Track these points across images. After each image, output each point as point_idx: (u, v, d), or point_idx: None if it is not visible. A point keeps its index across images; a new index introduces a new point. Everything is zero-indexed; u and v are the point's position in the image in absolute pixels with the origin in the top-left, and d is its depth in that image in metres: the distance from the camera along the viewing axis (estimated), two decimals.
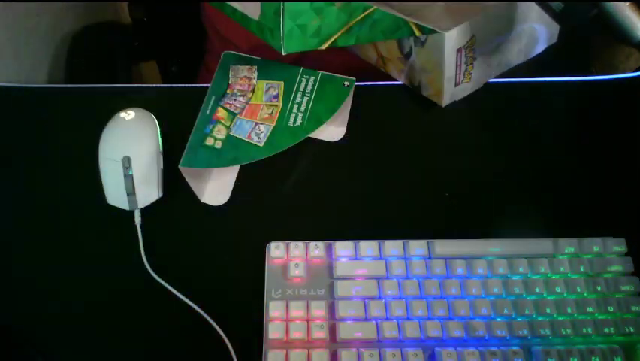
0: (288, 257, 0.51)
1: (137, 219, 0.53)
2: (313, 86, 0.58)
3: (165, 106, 0.59)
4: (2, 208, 0.56)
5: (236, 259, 0.53)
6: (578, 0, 0.44)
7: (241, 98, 0.57)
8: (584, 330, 0.48)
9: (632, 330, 0.48)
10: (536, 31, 0.58)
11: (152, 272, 0.51)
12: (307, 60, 0.71)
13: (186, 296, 0.51)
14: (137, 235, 0.53)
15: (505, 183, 0.57)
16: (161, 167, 0.55)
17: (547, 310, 0.49)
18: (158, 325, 0.51)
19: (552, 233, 0.53)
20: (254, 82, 0.58)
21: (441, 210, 0.56)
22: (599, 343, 0.48)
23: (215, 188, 0.56)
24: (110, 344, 0.50)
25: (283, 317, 0.48)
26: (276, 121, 0.55)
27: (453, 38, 0.51)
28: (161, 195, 0.55)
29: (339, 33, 0.52)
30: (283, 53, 0.52)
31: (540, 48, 0.60)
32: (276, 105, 0.56)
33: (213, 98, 0.57)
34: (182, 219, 0.55)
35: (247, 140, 0.54)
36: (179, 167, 0.52)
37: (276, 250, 0.51)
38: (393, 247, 0.51)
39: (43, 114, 0.61)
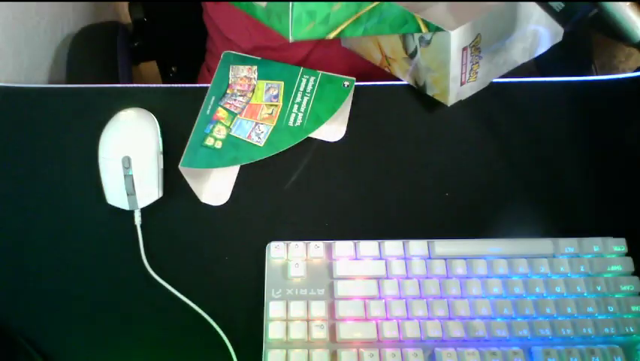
0: (288, 257, 0.51)
1: (137, 220, 0.53)
2: (313, 86, 0.58)
3: (165, 106, 0.59)
4: (2, 208, 0.56)
5: (236, 259, 0.53)
6: (578, 0, 0.44)
7: (241, 98, 0.57)
8: (584, 330, 0.48)
9: (632, 330, 0.49)
10: (541, 30, 0.58)
11: (152, 272, 0.51)
12: (311, 61, 0.72)
13: (186, 296, 0.51)
14: (137, 235, 0.53)
15: (505, 183, 0.57)
16: (161, 167, 0.55)
17: (547, 310, 0.49)
18: (158, 325, 0.51)
19: (552, 233, 0.53)
20: (254, 82, 0.58)
21: (441, 210, 0.56)
22: (599, 343, 0.48)
23: (215, 188, 0.56)
24: (110, 343, 0.50)
25: (283, 317, 0.49)
26: (276, 121, 0.56)
27: (458, 37, 0.51)
28: (161, 195, 0.55)
29: (347, 23, 0.52)
30: (290, 40, 0.51)
31: (545, 47, 0.60)
32: (276, 105, 0.57)
33: (213, 98, 0.57)
34: (182, 219, 0.55)
35: (247, 140, 0.54)
36: (179, 167, 0.52)
37: (276, 250, 0.51)
38: (393, 247, 0.51)
39: (43, 114, 0.61)
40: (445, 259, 0.51)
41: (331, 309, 0.49)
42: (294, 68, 0.59)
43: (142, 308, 0.51)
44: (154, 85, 0.62)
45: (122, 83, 0.77)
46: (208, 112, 0.56)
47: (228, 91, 0.58)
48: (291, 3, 0.49)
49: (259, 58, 0.60)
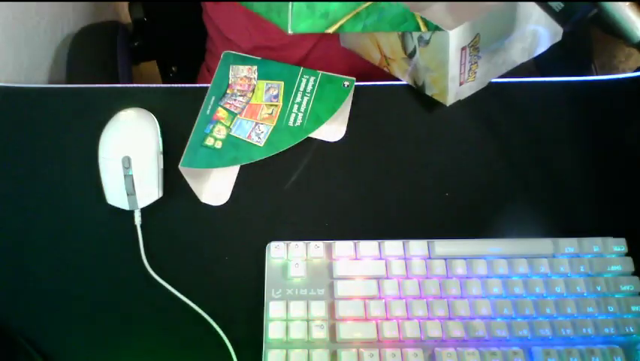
0: (288, 257, 0.51)
1: (137, 220, 0.53)
2: (313, 86, 0.58)
3: (165, 106, 0.59)
4: (2, 208, 0.56)
5: (236, 259, 0.53)
6: (577, 0, 0.44)
7: (241, 98, 0.57)
8: (584, 330, 0.48)
9: (632, 330, 0.49)
10: (540, 30, 0.58)
11: (152, 272, 0.51)
12: (311, 61, 0.72)
13: (186, 296, 0.51)
14: (137, 235, 0.53)
15: (505, 183, 0.57)
16: (161, 167, 0.55)
17: (547, 311, 0.49)
18: (158, 325, 0.51)
19: (552, 233, 0.53)
20: (254, 82, 0.58)
21: (441, 210, 0.56)
22: (599, 343, 0.48)
23: (215, 188, 0.56)
24: (110, 343, 0.50)
25: (283, 317, 0.49)
26: (276, 121, 0.56)
27: (457, 37, 0.51)
28: (161, 195, 0.55)
29: (346, 18, 0.51)
30: (289, 32, 0.51)
31: (544, 46, 0.60)
32: (276, 105, 0.57)
33: (213, 98, 0.57)
34: (182, 219, 0.55)
35: (247, 140, 0.54)
36: (179, 167, 0.52)
37: (276, 250, 0.51)
38: (393, 247, 0.51)
39: (43, 114, 0.61)
40: (445, 259, 0.51)
41: (331, 309, 0.49)
42: (294, 68, 0.59)
43: (142, 308, 0.51)
44: (154, 85, 0.62)
45: (122, 83, 0.77)
46: (208, 112, 0.56)
47: (228, 91, 0.58)
48: None
49: (259, 58, 0.60)
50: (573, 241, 0.52)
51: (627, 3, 0.42)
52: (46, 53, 0.77)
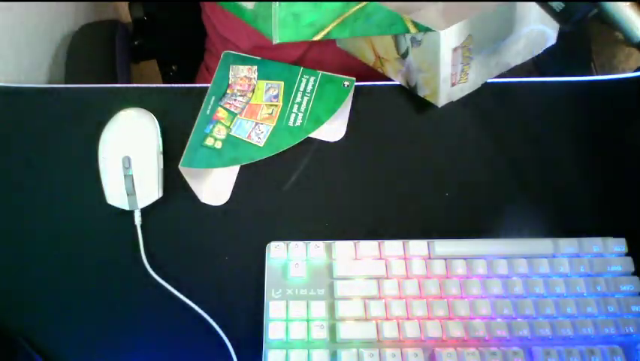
0: (288, 257, 0.51)
1: (137, 220, 0.53)
2: (313, 86, 0.58)
3: (165, 106, 0.59)
4: (2, 208, 0.56)
5: (236, 259, 0.53)
6: (578, 0, 0.44)
7: (241, 98, 0.57)
8: (584, 330, 0.48)
9: (632, 330, 0.49)
10: (535, 33, 0.58)
11: (152, 272, 0.51)
12: (307, 61, 0.72)
13: (186, 296, 0.51)
14: (137, 235, 0.53)
15: (505, 183, 0.57)
16: (161, 167, 0.55)
17: (547, 311, 0.49)
18: (158, 325, 0.51)
19: (552, 233, 0.53)
20: (254, 82, 0.58)
21: (441, 210, 0.56)
22: (599, 343, 0.48)
23: (215, 188, 0.56)
24: (109, 343, 0.50)
25: (283, 317, 0.49)
26: (276, 121, 0.56)
27: (449, 37, 0.51)
28: (161, 195, 0.54)
29: (333, 25, 0.52)
30: (275, 42, 0.51)
31: (538, 50, 0.61)
32: (276, 105, 0.56)
33: (213, 98, 0.57)
34: (182, 219, 0.55)
35: (247, 140, 0.54)
36: (179, 167, 0.52)
37: (276, 250, 0.51)
38: (393, 247, 0.51)
39: (43, 114, 0.61)
40: (445, 259, 0.51)
41: (331, 309, 0.49)
42: (294, 68, 0.59)
43: (142, 308, 0.51)
44: (154, 85, 0.62)
45: (121, 82, 0.77)
46: (208, 112, 0.56)
47: (228, 91, 0.58)
48: (275, 5, 0.49)
49: (259, 58, 0.60)
50: (573, 241, 0.52)
51: (627, 3, 0.42)
52: (46, 53, 0.77)
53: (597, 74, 0.62)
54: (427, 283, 0.50)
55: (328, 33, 0.52)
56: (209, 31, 0.81)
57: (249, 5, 0.52)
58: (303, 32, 0.51)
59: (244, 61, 0.60)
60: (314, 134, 0.57)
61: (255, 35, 0.72)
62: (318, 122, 0.56)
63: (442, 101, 0.57)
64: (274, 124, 0.55)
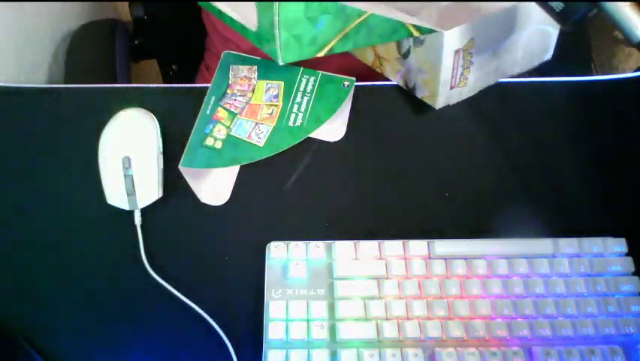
0: (288, 257, 0.51)
1: (137, 220, 0.53)
2: (313, 86, 0.58)
3: (165, 106, 0.59)
4: (2, 208, 0.56)
5: (236, 259, 0.53)
6: (578, 0, 0.44)
7: (241, 98, 0.57)
8: (584, 330, 0.48)
9: (632, 330, 0.49)
10: (533, 45, 0.59)
11: (152, 272, 0.51)
12: (307, 61, 0.71)
13: (186, 296, 0.51)
14: (137, 235, 0.53)
15: (505, 183, 0.57)
16: (161, 167, 0.55)
17: (548, 311, 0.49)
18: (158, 325, 0.51)
19: (552, 233, 0.53)
20: (254, 82, 0.58)
21: (441, 210, 0.56)
22: (599, 343, 0.48)
23: (215, 188, 0.56)
24: (109, 344, 0.50)
25: (283, 317, 0.49)
26: (276, 121, 0.55)
27: (452, 39, 0.51)
28: (161, 195, 0.54)
29: (335, 40, 0.52)
30: (280, 64, 0.53)
31: (535, 62, 0.61)
32: (276, 105, 0.56)
33: (213, 98, 0.57)
34: (182, 219, 0.55)
35: (247, 140, 0.54)
36: (179, 167, 0.52)
37: (276, 250, 0.51)
38: (393, 247, 0.51)
39: (43, 114, 0.61)
40: (445, 259, 0.51)
41: (331, 309, 0.49)
42: (294, 68, 0.59)
43: (142, 308, 0.51)
44: (154, 85, 0.62)
45: (121, 81, 0.77)
46: (208, 112, 0.56)
47: (228, 91, 0.58)
48: (276, 30, 0.50)
49: (259, 58, 0.60)
50: (573, 241, 0.52)
51: (627, 3, 0.42)
52: (46, 53, 0.77)
53: (597, 74, 0.62)
54: (427, 283, 0.50)
55: (331, 49, 0.53)
56: (209, 31, 0.81)
57: (253, 27, 0.53)
58: (307, 51, 0.53)
59: (244, 61, 0.60)
60: (314, 134, 0.57)
61: None
62: (318, 122, 0.56)
63: (439, 103, 0.57)
64: (274, 124, 0.55)
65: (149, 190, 0.54)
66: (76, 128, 0.59)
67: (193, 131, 0.55)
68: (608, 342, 0.49)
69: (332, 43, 0.53)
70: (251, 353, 0.49)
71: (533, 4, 0.47)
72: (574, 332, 0.48)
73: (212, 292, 0.52)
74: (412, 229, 0.54)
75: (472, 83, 0.57)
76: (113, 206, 0.54)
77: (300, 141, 0.55)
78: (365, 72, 0.62)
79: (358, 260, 0.51)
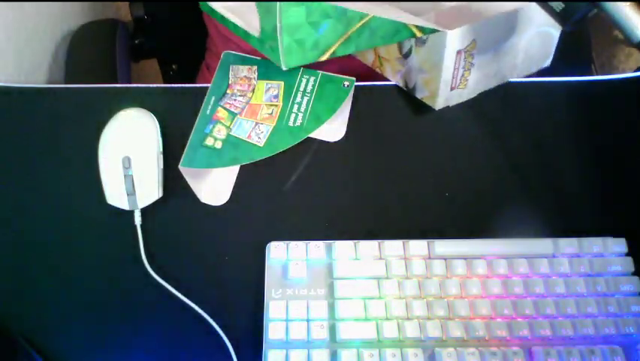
0: (288, 257, 0.51)
1: (137, 219, 0.53)
2: (313, 86, 0.58)
3: (165, 106, 0.59)
4: (2, 208, 0.56)
5: (236, 259, 0.53)
6: (578, 0, 0.44)
7: (241, 98, 0.57)
8: (584, 330, 0.48)
9: (632, 330, 0.49)
10: (533, 49, 0.59)
11: (152, 272, 0.51)
12: None
13: (186, 296, 0.51)
14: (137, 235, 0.53)
15: (505, 183, 0.57)
16: (161, 167, 0.55)
17: (548, 311, 0.49)
18: (158, 325, 0.51)
19: (552, 233, 0.53)
20: (254, 82, 0.58)
21: (441, 210, 0.56)
22: (599, 343, 0.48)
23: (215, 188, 0.56)
24: (109, 344, 0.50)
25: (283, 317, 0.49)
26: (276, 121, 0.55)
27: (455, 38, 0.51)
28: (161, 195, 0.55)
29: (337, 44, 0.53)
30: (284, 69, 0.54)
31: (534, 68, 0.61)
32: (276, 105, 0.56)
33: (213, 98, 0.57)
34: (182, 219, 0.55)
35: (247, 140, 0.54)
36: (179, 167, 0.52)
37: (276, 250, 0.51)
38: (393, 247, 0.51)
39: (43, 114, 0.61)
40: (445, 259, 0.51)
41: (331, 309, 0.49)
42: (294, 68, 0.59)
43: (142, 308, 0.51)
44: (154, 85, 0.62)
45: (121, 81, 0.77)
46: (208, 112, 0.56)
47: (228, 91, 0.58)
48: (279, 35, 0.51)
49: (259, 58, 0.60)
50: (573, 241, 0.52)
51: (627, 3, 0.42)
52: (46, 53, 0.77)
53: (597, 74, 0.62)
54: (427, 283, 0.50)
55: (334, 52, 0.54)
56: (210, 30, 0.81)
57: (255, 33, 0.54)
58: (309, 55, 0.53)
59: (244, 61, 0.60)
60: (314, 134, 0.57)
61: None
62: (318, 122, 0.56)
63: (439, 104, 0.57)
64: (274, 124, 0.55)
65: (149, 190, 0.54)
66: (76, 128, 0.59)
67: (193, 131, 0.55)
68: (608, 342, 0.49)
69: (334, 47, 0.53)
70: (251, 353, 0.49)
71: (535, 6, 0.47)
72: (574, 332, 0.48)
73: (212, 292, 0.52)
74: (412, 229, 0.54)
75: (472, 86, 0.58)
76: (113, 206, 0.54)
77: (300, 141, 0.55)
78: (365, 72, 0.62)
79: (358, 260, 0.51)
